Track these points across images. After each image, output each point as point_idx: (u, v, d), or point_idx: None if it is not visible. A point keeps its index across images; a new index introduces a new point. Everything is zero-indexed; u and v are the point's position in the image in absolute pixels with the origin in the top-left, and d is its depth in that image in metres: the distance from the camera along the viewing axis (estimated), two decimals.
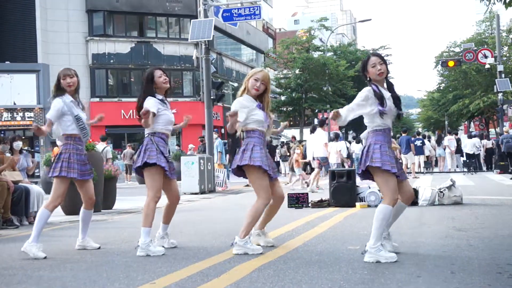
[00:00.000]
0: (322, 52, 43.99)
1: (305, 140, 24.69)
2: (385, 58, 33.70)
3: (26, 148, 20.73)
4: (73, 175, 6.04)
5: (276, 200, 6.11)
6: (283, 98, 44.67)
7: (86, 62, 35.50)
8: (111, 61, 36.61)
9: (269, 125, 6.07)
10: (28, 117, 32.74)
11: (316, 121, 39.97)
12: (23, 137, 31.53)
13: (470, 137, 26.63)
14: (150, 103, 5.92)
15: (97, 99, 35.45)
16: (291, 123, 52.74)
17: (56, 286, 4.47)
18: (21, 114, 32.68)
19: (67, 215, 10.60)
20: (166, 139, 6.15)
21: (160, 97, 6.11)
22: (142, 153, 5.93)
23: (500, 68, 31.59)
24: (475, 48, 35.61)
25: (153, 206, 6.08)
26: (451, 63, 32.96)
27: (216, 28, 29.80)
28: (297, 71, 41.62)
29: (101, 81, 36.51)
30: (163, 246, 6.06)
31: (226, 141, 25.93)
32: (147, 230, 5.86)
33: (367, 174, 5.34)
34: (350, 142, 29.08)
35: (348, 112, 5.22)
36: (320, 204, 10.63)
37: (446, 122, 61.58)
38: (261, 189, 5.79)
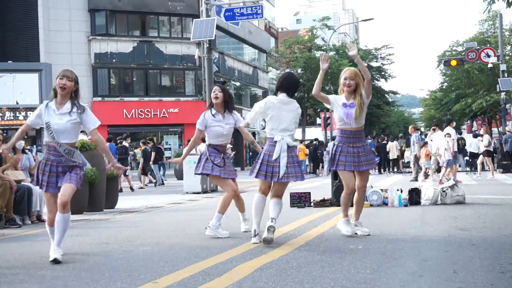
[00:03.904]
0: (324, 52, 43.93)
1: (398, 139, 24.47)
2: (388, 57, 33.01)
3: (28, 147, 20.72)
4: (42, 188, 5.67)
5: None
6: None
7: (89, 61, 35.54)
8: (113, 60, 36.65)
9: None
10: None
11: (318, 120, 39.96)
12: (26, 137, 31.54)
13: (475, 136, 26.54)
14: (198, 121, 7.03)
15: (99, 99, 35.49)
16: None
17: (58, 285, 4.47)
18: (23, 113, 32.71)
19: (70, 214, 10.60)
20: (221, 149, 7.01)
21: (214, 111, 6.97)
22: (200, 162, 7.02)
23: (502, 67, 31.54)
24: (478, 47, 35.58)
25: (230, 199, 7.09)
26: (453, 62, 32.89)
27: (218, 28, 29.78)
28: (299, 71, 41.60)
29: (103, 80, 36.54)
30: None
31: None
32: (219, 216, 6.85)
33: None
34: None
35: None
36: (322, 203, 10.62)
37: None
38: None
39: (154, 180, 21.74)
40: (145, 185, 20.82)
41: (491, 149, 21.33)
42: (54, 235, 5.57)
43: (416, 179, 19.27)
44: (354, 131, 6.53)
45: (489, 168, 20.62)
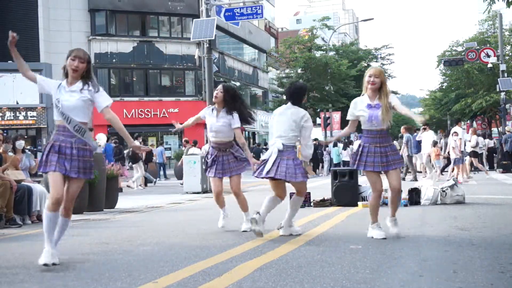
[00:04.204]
0: (324, 52, 43.97)
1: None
2: (387, 57, 33.02)
3: (28, 147, 20.74)
4: (49, 169, 5.18)
5: None
6: (285, 97, 44.59)
7: None
8: (113, 60, 36.65)
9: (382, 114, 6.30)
10: (31, 117, 32.79)
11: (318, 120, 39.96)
12: (26, 136, 31.52)
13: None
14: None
15: None
16: None
17: (58, 285, 4.47)
18: (23, 113, 32.72)
19: None
20: (216, 146, 7.33)
21: (213, 107, 7.42)
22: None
23: (502, 67, 31.55)
24: (478, 47, 35.59)
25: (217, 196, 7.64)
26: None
27: (218, 28, 29.80)
28: (299, 71, 41.59)
29: (103, 80, 36.50)
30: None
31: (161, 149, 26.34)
32: (245, 214, 7.69)
33: None
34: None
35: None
36: (322, 203, 10.62)
37: (448, 122, 61.52)
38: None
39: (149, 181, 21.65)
40: (140, 185, 20.65)
41: (478, 150, 21.53)
42: (54, 233, 5.29)
43: (415, 179, 19.33)
44: (380, 131, 6.38)
45: (490, 167, 20.66)
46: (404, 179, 19.51)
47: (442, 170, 21.00)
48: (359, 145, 6.53)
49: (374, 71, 6.42)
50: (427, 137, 18.83)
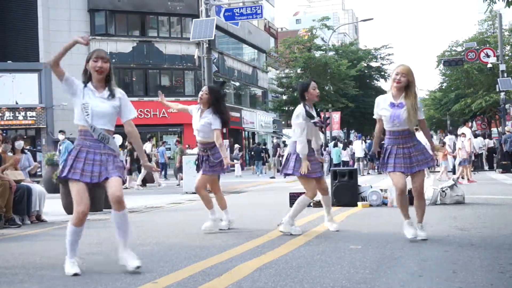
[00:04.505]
0: (323, 52, 43.94)
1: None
2: (387, 57, 33.28)
3: (28, 147, 20.73)
4: (73, 177, 4.94)
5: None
6: (284, 97, 44.67)
7: None
8: (113, 60, 36.35)
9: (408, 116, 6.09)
10: (30, 117, 32.78)
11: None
12: (25, 137, 31.54)
13: (475, 136, 26.57)
14: None
15: None
16: None
17: (58, 285, 4.47)
18: (23, 113, 32.71)
19: (69, 215, 10.60)
20: (201, 146, 7.52)
21: (199, 107, 7.58)
22: None
23: (502, 67, 31.54)
24: (477, 47, 35.57)
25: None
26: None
27: (218, 28, 29.79)
28: (298, 71, 41.58)
29: None
30: None
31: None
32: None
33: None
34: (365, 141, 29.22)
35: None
36: (321, 203, 10.60)
37: (448, 122, 61.55)
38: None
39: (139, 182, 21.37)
40: (139, 185, 20.53)
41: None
42: (77, 247, 5.04)
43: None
44: (402, 131, 6.14)
45: (489, 168, 20.68)
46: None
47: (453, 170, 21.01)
48: (383, 147, 6.35)
49: (402, 69, 6.12)
50: (419, 137, 18.83)
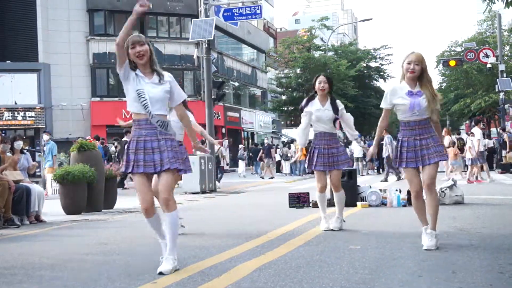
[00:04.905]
0: (323, 52, 43.95)
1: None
2: (386, 57, 33.38)
3: (27, 147, 20.71)
4: (137, 170, 4.89)
5: None
6: (284, 97, 44.69)
7: (87, 61, 35.51)
8: (112, 60, 36.55)
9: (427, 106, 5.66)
10: (29, 117, 32.76)
11: None
12: (24, 137, 31.54)
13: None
14: None
15: (98, 99, 35.45)
16: (292, 122, 52.66)
17: (57, 285, 4.47)
18: (22, 113, 32.69)
19: (68, 215, 10.60)
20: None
21: None
22: None
23: (501, 67, 31.56)
24: (477, 47, 35.59)
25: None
26: (452, 63, 32.95)
27: (217, 28, 29.79)
28: (298, 71, 41.59)
29: (102, 80, 36.51)
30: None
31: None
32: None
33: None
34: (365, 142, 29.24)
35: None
36: None
37: (447, 122, 61.56)
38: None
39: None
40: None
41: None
42: (161, 230, 5.09)
43: (386, 180, 19.58)
44: (419, 122, 5.69)
45: (489, 168, 20.74)
46: (386, 179, 19.74)
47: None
48: (398, 140, 5.89)
49: (415, 58, 5.70)
50: None
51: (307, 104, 7.27)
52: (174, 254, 4.89)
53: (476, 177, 17.83)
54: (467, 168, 18.85)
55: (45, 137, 18.04)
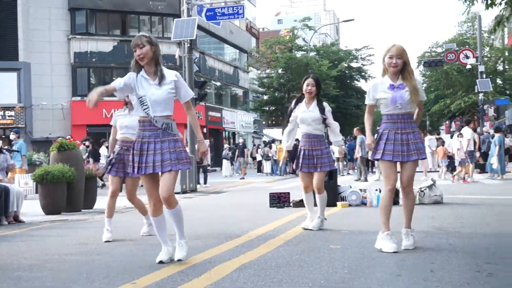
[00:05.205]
0: (305, 52, 44.04)
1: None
2: (368, 58, 33.52)
3: (6, 147, 20.45)
4: (147, 171, 5.06)
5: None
6: (265, 97, 44.70)
7: (68, 60, 35.23)
8: (93, 59, 36.37)
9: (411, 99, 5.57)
10: (9, 116, 32.42)
11: None
12: (3, 136, 31.20)
13: (452, 137, 26.82)
14: None
15: (79, 98, 35.12)
16: (273, 122, 52.73)
17: (36, 286, 4.43)
18: (1, 113, 32.33)
19: (47, 215, 10.51)
20: (127, 146, 6.87)
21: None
22: None
23: (481, 68, 31.88)
24: (457, 48, 35.91)
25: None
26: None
27: (199, 27, 29.74)
28: (280, 71, 41.65)
29: (83, 80, 36.24)
30: None
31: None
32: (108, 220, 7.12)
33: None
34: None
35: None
36: (301, 203, 10.60)
37: (427, 122, 62.03)
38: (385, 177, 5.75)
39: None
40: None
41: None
42: (164, 233, 5.27)
43: (359, 180, 19.74)
44: (402, 115, 5.60)
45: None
46: (359, 179, 19.92)
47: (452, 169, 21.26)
48: (378, 132, 5.80)
49: (396, 52, 5.55)
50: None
51: (295, 106, 7.34)
52: (183, 237, 5.23)
53: (464, 177, 17.97)
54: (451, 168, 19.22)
55: (11, 136, 17.33)
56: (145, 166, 5.03)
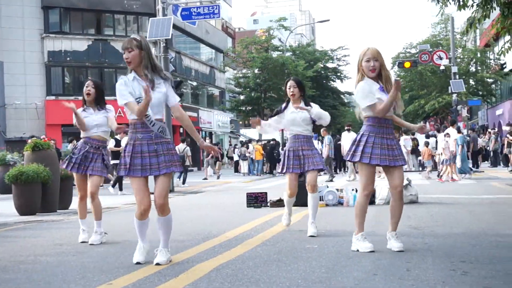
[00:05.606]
0: (281, 52, 44.15)
1: None
2: (343, 58, 33.64)
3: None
4: (135, 174, 5.03)
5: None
6: (242, 97, 44.71)
7: (42, 59, 34.87)
8: (68, 58, 36.04)
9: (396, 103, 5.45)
10: None
11: None
12: None
13: (427, 137, 27.07)
14: None
15: (53, 97, 34.81)
16: (250, 122, 52.74)
17: (10, 287, 4.38)
18: None
19: (22, 216, 10.38)
20: (97, 144, 6.96)
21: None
22: None
23: (454, 69, 32.24)
24: (431, 49, 36.26)
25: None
26: (407, 64, 33.55)
27: (175, 27, 29.60)
28: (256, 71, 41.70)
29: (57, 79, 35.89)
30: None
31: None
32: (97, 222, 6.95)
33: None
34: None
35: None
36: (279, 203, 10.65)
37: None
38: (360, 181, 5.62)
39: None
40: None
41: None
42: (145, 235, 5.19)
43: (332, 180, 19.83)
44: (388, 120, 5.50)
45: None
46: (332, 180, 19.99)
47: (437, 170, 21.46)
48: (359, 134, 5.58)
49: (372, 54, 5.43)
50: (349, 138, 19.06)
51: (283, 110, 7.12)
52: (167, 246, 5.11)
53: (452, 177, 18.23)
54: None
55: None
56: (142, 169, 4.99)
